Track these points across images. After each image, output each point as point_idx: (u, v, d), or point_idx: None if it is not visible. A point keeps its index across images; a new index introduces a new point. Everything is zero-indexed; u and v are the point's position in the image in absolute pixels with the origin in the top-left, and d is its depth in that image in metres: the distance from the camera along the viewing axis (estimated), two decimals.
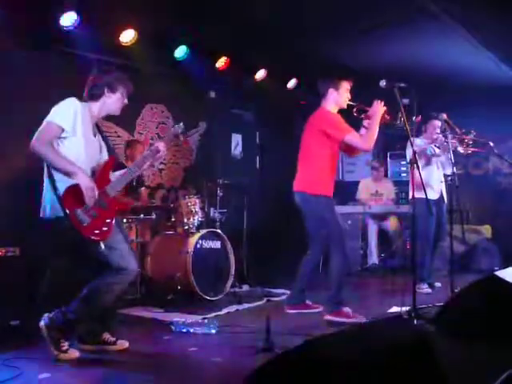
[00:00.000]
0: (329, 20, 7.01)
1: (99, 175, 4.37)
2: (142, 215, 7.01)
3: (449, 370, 2.16)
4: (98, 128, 4.58)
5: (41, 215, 4.28)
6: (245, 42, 7.85)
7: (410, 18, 6.75)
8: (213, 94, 9.13)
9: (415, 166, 5.37)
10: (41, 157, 4.14)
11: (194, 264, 6.45)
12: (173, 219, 7.07)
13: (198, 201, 6.99)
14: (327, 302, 5.70)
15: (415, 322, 4.81)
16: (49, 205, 4.21)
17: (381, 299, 6.72)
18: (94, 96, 4.48)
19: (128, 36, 7.33)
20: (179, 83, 8.51)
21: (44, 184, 4.27)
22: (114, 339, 4.56)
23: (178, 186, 8.72)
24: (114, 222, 4.32)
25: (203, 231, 6.80)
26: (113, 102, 4.54)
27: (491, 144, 7.16)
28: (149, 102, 8.55)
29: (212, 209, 7.48)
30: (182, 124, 4.81)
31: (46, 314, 4.28)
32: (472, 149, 7.18)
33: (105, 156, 4.55)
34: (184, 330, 5.17)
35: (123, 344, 4.59)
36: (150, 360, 4.37)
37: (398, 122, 5.52)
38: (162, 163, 8.74)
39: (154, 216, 7.18)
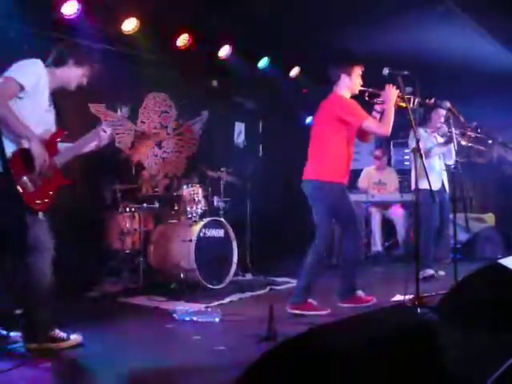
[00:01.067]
0: (331, 8, 6.98)
1: (48, 145, 4.24)
2: (145, 204, 7.02)
3: (452, 357, 2.16)
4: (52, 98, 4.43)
5: None
6: (247, 31, 7.82)
7: (414, 4, 6.71)
8: (215, 83, 9.12)
9: (418, 154, 5.35)
10: None
11: (197, 252, 6.47)
12: (176, 208, 7.09)
13: (200, 189, 7.01)
14: (340, 289, 5.70)
15: (418, 310, 4.81)
16: None
17: (384, 288, 6.70)
18: (58, 62, 4.34)
19: (130, 25, 7.33)
20: (182, 72, 8.49)
21: None
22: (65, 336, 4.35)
23: (181, 174, 8.72)
24: (55, 196, 4.24)
25: (206, 220, 6.81)
26: (72, 76, 4.39)
27: (498, 140, 7.17)
28: (151, 90, 8.54)
29: (215, 197, 7.48)
30: (128, 108, 4.83)
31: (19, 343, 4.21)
32: (472, 144, 7.20)
33: (53, 127, 4.42)
34: (187, 319, 5.17)
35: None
36: (152, 348, 4.37)
37: (412, 106, 5.47)
38: (164, 152, 8.74)
39: (157, 205, 7.19)
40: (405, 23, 7.47)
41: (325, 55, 6.18)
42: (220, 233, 6.95)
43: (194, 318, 5.16)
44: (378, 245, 9.46)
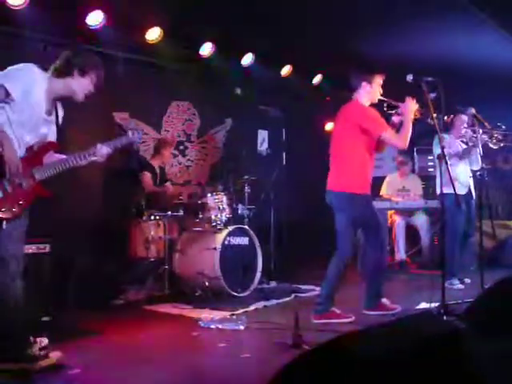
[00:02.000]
0: (355, 13, 6.98)
1: (32, 154, 4.08)
2: (169, 212, 7.04)
3: (480, 366, 2.14)
4: (55, 109, 4.24)
5: None
6: (270, 39, 7.85)
7: (438, 9, 6.69)
8: (238, 91, 9.14)
9: (444, 161, 5.33)
10: None
11: (222, 260, 6.47)
12: (200, 216, 7.10)
13: (225, 197, 7.02)
14: (364, 296, 5.69)
15: (445, 318, 4.78)
16: None
17: (409, 296, 6.67)
18: (61, 73, 4.13)
19: (154, 34, 7.39)
20: (205, 80, 8.54)
21: None
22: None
23: (205, 182, 8.75)
24: (26, 206, 4.03)
25: (231, 227, 6.82)
26: (78, 86, 4.16)
27: None
28: (175, 99, 8.59)
29: (240, 205, 7.49)
30: (140, 134, 4.58)
31: None
32: (503, 143, 7.11)
33: (51, 139, 4.25)
34: (212, 327, 5.18)
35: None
36: (178, 356, 4.38)
37: (429, 120, 5.44)
38: (188, 160, 8.78)
39: (181, 213, 7.21)
40: (428, 29, 7.44)
41: (348, 62, 6.18)
42: (244, 240, 6.95)
43: (220, 326, 5.16)
44: (401, 252, 9.40)
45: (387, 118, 5.68)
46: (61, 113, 4.33)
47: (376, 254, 5.64)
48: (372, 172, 5.72)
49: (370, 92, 5.57)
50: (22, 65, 3.99)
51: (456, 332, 2.28)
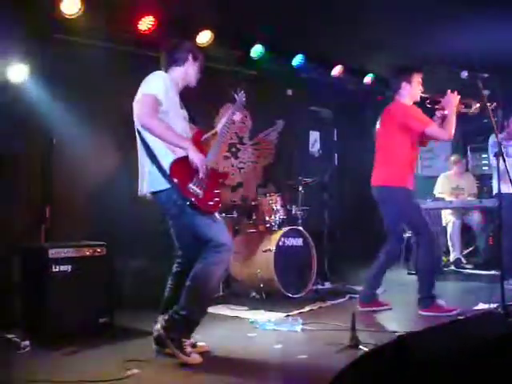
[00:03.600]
0: (408, 11, 6.92)
1: (199, 148, 4.22)
2: (223, 214, 7.07)
3: None
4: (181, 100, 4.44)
5: (139, 194, 4.24)
6: (320, 39, 7.84)
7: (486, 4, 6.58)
8: (290, 92, 9.16)
9: (501, 158, 5.27)
10: (150, 131, 4.00)
11: (277, 261, 6.47)
12: (254, 217, 7.10)
13: (278, 198, 7.01)
14: (419, 296, 5.70)
15: (507, 318, 4.70)
16: (149, 180, 4.12)
17: (465, 296, 6.59)
18: (178, 61, 4.33)
19: (204, 37, 7.43)
20: (256, 82, 8.55)
21: (142, 163, 4.19)
22: (193, 342, 4.34)
23: (259, 184, 8.77)
24: (220, 194, 4.31)
25: (285, 229, 6.81)
26: (193, 70, 4.40)
27: None
28: (226, 101, 8.62)
29: (293, 206, 7.47)
30: (242, 94, 4.91)
31: (161, 317, 4.18)
32: None
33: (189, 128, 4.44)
34: (268, 328, 5.19)
35: (203, 347, 4.45)
36: (235, 358, 4.39)
37: (472, 111, 5.53)
38: (241, 162, 8.81)
39: (235, 214, 7.24)
40: (488, 24, 7.31)
41: (397, 60, 6.15)
42: (299, 241, 6.94)
43: (276, 327, 5.18)
44: (457, 252, 9.27)
45: (432, 113, 5.81)
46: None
47: (425, 253, 5.70)
48: (415, 167, 5.94)
49: (410, 91, 5.77)
50: (156, 73, 4.22)
51: None
